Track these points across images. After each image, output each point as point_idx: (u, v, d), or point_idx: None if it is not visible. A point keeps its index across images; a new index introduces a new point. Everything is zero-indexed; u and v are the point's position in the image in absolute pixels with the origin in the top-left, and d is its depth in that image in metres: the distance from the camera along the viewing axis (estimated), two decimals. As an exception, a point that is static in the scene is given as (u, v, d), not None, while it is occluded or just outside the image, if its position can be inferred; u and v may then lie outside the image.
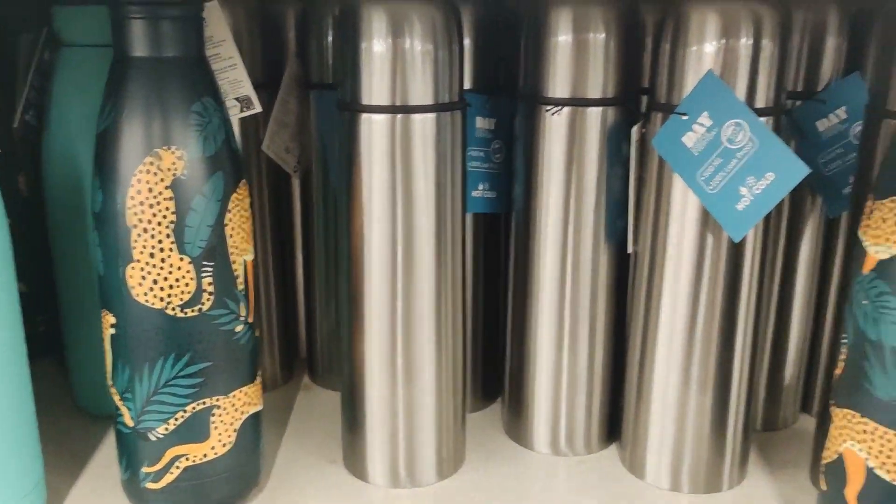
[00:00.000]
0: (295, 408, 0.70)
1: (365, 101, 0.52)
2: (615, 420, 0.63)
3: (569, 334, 0.61)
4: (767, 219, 0.54)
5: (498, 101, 0.62)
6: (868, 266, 0.43)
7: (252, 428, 0.54)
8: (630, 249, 0.58)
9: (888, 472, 0.43)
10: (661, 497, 0.57)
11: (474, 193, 0.62)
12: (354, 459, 0.59)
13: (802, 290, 0.64)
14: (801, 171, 0.47)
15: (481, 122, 0.62)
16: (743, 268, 0.54)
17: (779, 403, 0.67)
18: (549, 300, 0.60)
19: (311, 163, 0.69)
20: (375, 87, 0.51)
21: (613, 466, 0.61)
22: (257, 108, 0.55)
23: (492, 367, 0.70)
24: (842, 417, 0.46)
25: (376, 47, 0.51)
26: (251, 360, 0.53)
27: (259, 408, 0.54)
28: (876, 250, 0.42)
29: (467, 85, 0.62)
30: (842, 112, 0.58)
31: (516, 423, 0.65)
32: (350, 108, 0.52)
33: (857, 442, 0.44)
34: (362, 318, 0.56)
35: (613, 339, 0.62)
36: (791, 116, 0.59)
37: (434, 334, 0.56)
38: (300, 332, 0.77)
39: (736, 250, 0.54)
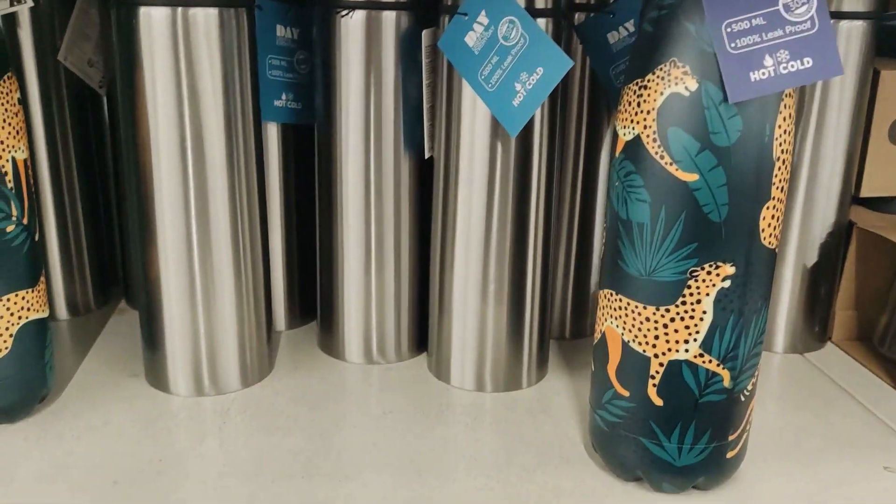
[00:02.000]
0: (105, 330, 0.68)
1: (143, -6, 0.50)
2: (425, 328, 0.64)
3: (375, 245, 0.61)
4: (553, 129, 0.56)
5: (301, 12, 0.61)
6: (619, 148, 0.45)
7: (34, 334, 0.52)
8: (427, 154, 0.59)
9: (639, 344, 0.46)
10: (464, 395, 0.59)
11: (277, 103, 0.62)
12: (155, 371, 0.58)
13: (603, 203, 0.67)
14: (565, 64, 0.49)
15: (282, 31, 0.61)
16: (531, 177, 0.56)
17: (585, 313, 0.70)
18: (354, 212, 0.61)
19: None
20: (153, -21, 0.50)
21: (422, 372, 0.63)
22: (29, 2, 0.53)
23: (310, 285, 0.70)
24: (603, 298, 0.48)
25: (152, -63, 0.49)
26: (29, 263, 0.51)
27: (42, 314, 0.53)
28: (623, 132, 0.44)
29: (270, -8, 0.61)
30: (630, 25, 0.60)
31: (329, 338, 0.65)
32: (126, 1, 0.51)
33: (615, 319, 0.47)
34: (154, 228, 0.54)
35: (420, 250, 0.63)
36: (582, 28, 0.61)
37: (231, 241, 0.56)
38: (116, 257, 0.75)
39: (524, 159, 0.55)
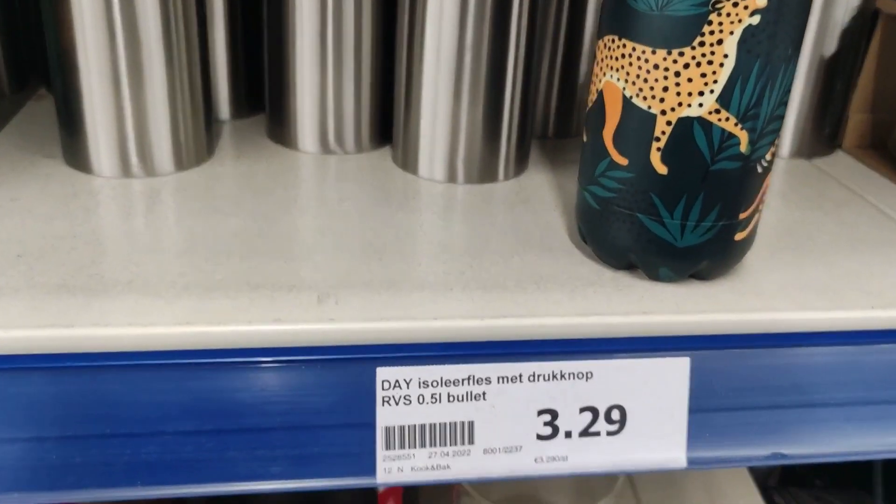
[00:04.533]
0: (19, 115, 0.59)
1: None
2: (390, 119, 0.56)
3: (333, 29, 0.52)
4: None
5: None
6: None
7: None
8: None
9: (644, 98, 0.38)
10: (433, 185, 0.52)
11: None
12: (74, 151, 0.50)
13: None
14: None
15: None
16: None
17: (572, 111, 0.62)
18: None
19: None
20: None
21: (385, 162, 0.55)
22: None
23: (257, 72, 0.61)
24: (602, 48, 0.40)
25: None
26: None
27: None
28: None
29: None
30: None
31: (279, 126, 0.57)
32: None
33: (615, 71, 0.39)
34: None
35: (384, 34, 0.54)
36: None
37: (160, 14, 0.47)
38: (34, 38, 0.65)
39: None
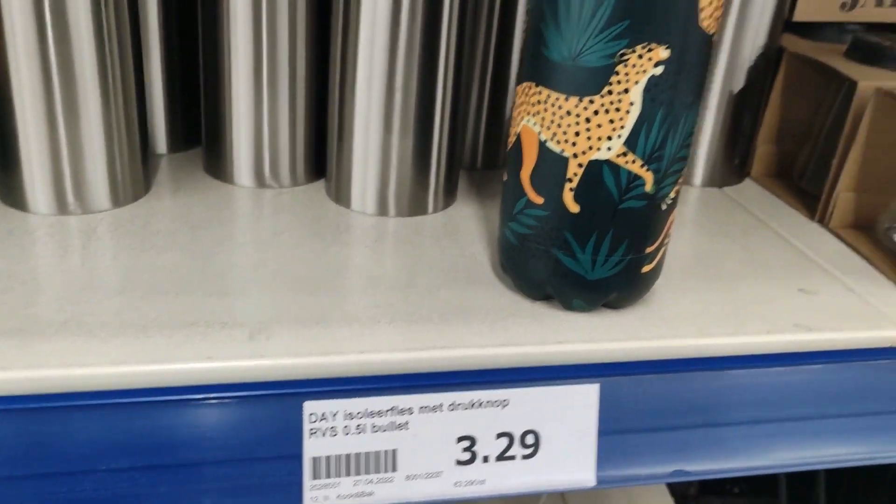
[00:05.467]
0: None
1: None
2: (324, 153, 0.58)
3: (267, 64, 0.54)
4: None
5: None
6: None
7: None
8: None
9: (558, 142, 0.41)
10: (365, 219, 0.54)
11: None
12: (8, 188, 0.51)
13: (522, 22, 0.61)
14: None
15: None
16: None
17: (498, 142, 0.65)
18: (243, 26, 0.53)
19: None
20: None
21: (319, 196, 0.57)
22: None
23: (194, 105, 0.62)
24: (521, 94, 0.43)
25: None
26: None
27: None
28: None
29: None
30: None
31: (215, 160, 0.58)
32: None
33: (532, 116, 0.42)
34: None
35: (317, 69, 0.56)
36: None
37: (96, 51, 0.48)
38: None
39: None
